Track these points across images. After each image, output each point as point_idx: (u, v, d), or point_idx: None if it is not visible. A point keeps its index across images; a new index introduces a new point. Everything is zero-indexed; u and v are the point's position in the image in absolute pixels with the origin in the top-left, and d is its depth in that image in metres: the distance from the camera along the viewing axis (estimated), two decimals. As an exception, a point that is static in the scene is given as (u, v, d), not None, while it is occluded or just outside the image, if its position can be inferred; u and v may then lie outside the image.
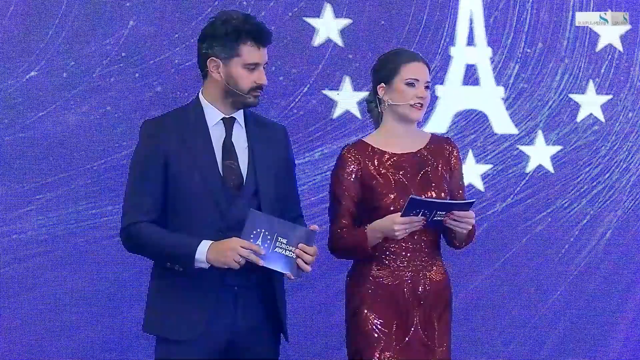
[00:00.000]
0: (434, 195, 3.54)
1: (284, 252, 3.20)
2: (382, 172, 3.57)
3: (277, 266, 3.21)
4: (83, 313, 4.68)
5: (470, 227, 3.51)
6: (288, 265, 3.21)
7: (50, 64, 4.65)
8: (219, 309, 3.25)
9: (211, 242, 3.18)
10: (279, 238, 3.18)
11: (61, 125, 4.66)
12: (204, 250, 3.17)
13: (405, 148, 3.62)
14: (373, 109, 3.72)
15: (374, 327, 3.52)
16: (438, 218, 3.42)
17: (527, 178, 5.35)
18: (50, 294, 4.65)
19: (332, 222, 3.60)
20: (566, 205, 5.40)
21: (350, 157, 3.59)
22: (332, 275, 5.01)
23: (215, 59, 3.31)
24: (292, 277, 3.24)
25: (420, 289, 3.54)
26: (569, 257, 5.40)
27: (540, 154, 5.36)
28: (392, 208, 3.49)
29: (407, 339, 3.53)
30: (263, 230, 3.16)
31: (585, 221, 5.42)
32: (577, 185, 5.42)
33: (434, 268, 3.59)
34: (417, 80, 3.56)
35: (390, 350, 3.50)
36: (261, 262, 3.15)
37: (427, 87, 3.59)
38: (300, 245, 3.21)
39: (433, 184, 3.57)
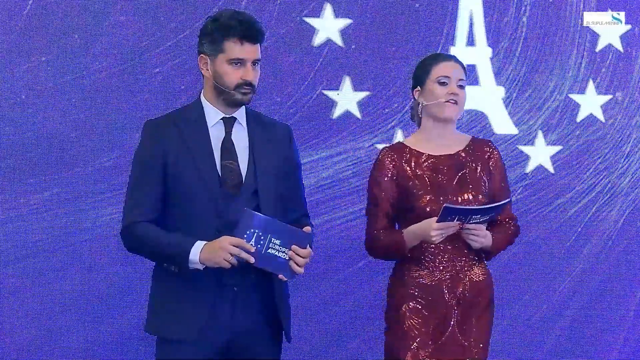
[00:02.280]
0: (471, 197, 3.56)
1: (277, 253, 3.18)
2: (418, 173, 3.59)
3: (270, 267, 3.20)
4: (83, 313, 4.68)
5: (480, 245, 3.54)
6: (281, 266, 3.20)
7: (50, 64, 4.65)
8: (218, 309, 3.25)
9: (205, 242, 3.18)
10: (272, 239, 3.17)
11: (61, 125, 4.66)
12: (197, 251, 3.17)
13: (443, 150, 3.64)
14: (413, 115, 3.73)
15: (411, 326, 3.55)
16: (474, 222, 3.46)
17: (527, 178, 5.35)
18: (50, 294, 4.64)
19: (369, 224, 3.65)
20: (566, 205, 5.40)
21: (386, 159, 3.62)
22: (332, 275, 5.02)
23: (204, 56, 3.32)
24: (285, 279, 3.23)
25: (460, 289, 3.57)
26: (569, 257, 5.40)
27: (540, 154, 5.36)
28: (428, 209, 3.52)
29: (443, 338, 3.56)
30: (256, 231, 3.15)
31: (585, 221, 5.42)
32: (577, 185, 5.42)
33: (474, 268, 3.61)
34: (448, 77, 3.58)
35: (426, 350, 3.54)
36: (252, 260, 3.14)
37: (461, 86, 3.60)
38: (293, 247, 3.20)
39: (471, 186, 3.59)
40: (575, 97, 5.41)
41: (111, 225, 4.58)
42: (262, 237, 3.16)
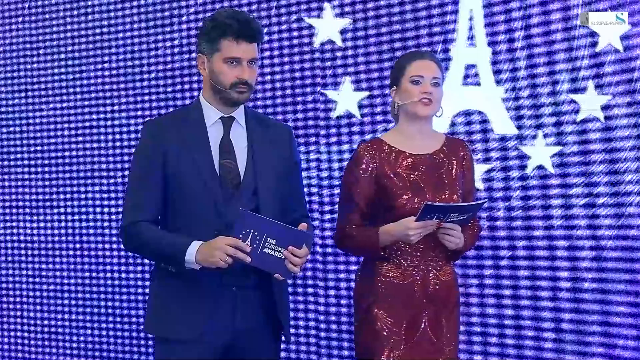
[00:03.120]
0: (447, 196, 3.55)
1: (273, 252, 3.17)
2: (398, 171, 3.57)
3: (266, 267, 3.19)
4: (83, 313, 4.69)
5: (455, 247, 3.53)
6: (277, 266, 3.18)
7: (50, 64, 4.65)
8: (217, 309, 3.25)
9: (201, 242, 3.17)
10: (269, 239, 3.16)
11: (62, 126, 4.66)
12: (193, 251, 3.17)
13: (422, 149, 3.62)
14: (393, 113, 3.72)
15: (384, 326, 3.53)
16: (451, 220, 3.45)
17: (527, 178, 5.35)
18: (50, 294, 4.65)
19: (341, 217, 3.62)
20: (566, 205, 5.40)
21: (366, 155, 3.58)
22: (332, 275, 5.01)
23: (202, 55, 3.32)
24: (281, 278, 3.22)
25: (430, 288, 3.55)
26: (569, 257, 5.40)
27: (540, 154, 5.36)
28: (406, 208, 3.50)
29: (415, 338, 3.54)
30: (252, 231, 3.14)
31: (585, 221, 5.42)
32: (577, 185, 5.42)
33: (444, 268, 3.59)
34: (422, 76, 3.56)
35: (399, 350, 3.51)
36: (248, 260, 3.14)
37: (435, 84, 3.58)
38: (289, 247, 3.19)
39: (447, 187, 3.58)
40: (575, 97, 5.41)
41: (111, 225, 4.58)
42: (257, 237, 3.15)
